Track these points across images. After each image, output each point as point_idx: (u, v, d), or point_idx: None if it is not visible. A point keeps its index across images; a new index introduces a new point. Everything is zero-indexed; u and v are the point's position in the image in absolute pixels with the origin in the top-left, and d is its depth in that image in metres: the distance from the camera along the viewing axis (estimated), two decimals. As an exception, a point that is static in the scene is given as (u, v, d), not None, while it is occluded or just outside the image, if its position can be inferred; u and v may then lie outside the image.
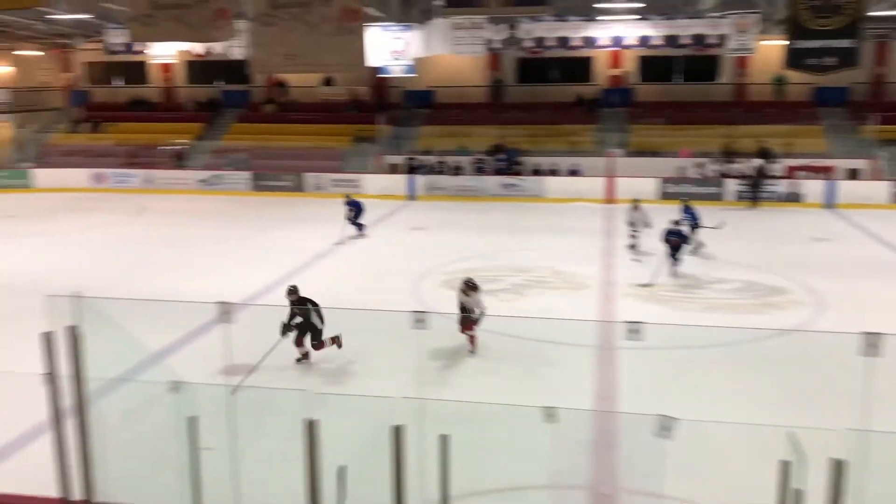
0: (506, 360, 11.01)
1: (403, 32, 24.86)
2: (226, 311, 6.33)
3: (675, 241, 15.25)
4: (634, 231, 17.49)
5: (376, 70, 26.59)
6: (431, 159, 28.12)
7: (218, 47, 27.10)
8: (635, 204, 17.72)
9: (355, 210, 19.97)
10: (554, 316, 12.06)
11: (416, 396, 6.75)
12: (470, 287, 11.03)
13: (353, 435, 7.07)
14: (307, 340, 10.56)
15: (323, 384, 10.03)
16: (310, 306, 10.50)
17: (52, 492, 6.23)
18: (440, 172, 27.56)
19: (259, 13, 7.98)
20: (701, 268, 16.09)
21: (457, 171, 27.61)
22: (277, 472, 7.47)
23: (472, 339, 11.06)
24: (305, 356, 10.68)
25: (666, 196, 24.60)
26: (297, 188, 27.56)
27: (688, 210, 17.33)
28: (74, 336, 5.52)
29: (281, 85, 32.39)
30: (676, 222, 15.84)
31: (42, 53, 33.65)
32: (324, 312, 10.44)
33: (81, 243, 19.59)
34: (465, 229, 21.19)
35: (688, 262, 15.76)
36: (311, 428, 5.12)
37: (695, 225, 17.04)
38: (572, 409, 6.40)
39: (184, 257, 17.89)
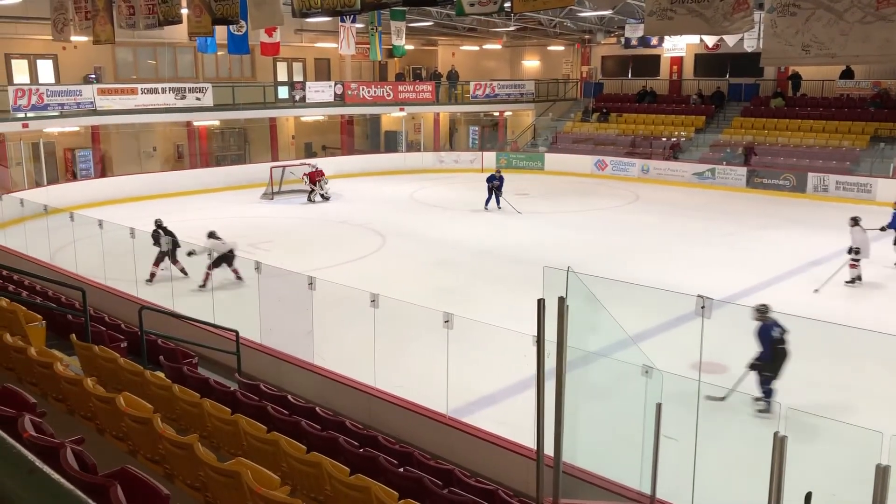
0: None
1: (953, 16, 21.17)
2: (705, 306, 6.27)
3: None
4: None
5: (911, 61, 23.21)
6: (971, 167, 23.64)
7: (729, 40, 26.53)
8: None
9: (498, 183, 22.57)
10: None
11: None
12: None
13: (825, 462, 6.46)
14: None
15: (795, 400, 9.33)
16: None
17: (528, 442, 6.98)
18: (981, 183, 23.02)
19: (780, 3, 7.57)
20: None
21: None
22: (736, 479, 7.22)
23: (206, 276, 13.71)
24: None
25: None
26: (797, 188, 25.71)
27: None
28: (563, 306, 6.04)
29: (793, 78, 30.43)
30: None
31: (563, 48, 37.12)
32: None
33: (578, 223, 21.28)
34: None
35: None
36: (780, 443, 4.82)
37: None
38: None
39: (669, 247, 18.19)
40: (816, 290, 14.10)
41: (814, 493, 4.93)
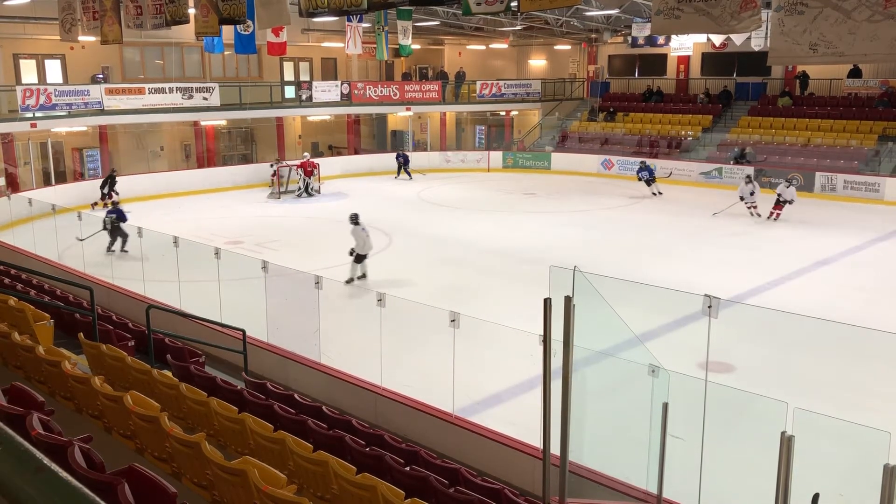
0: None
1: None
2: (712, 305, 6.26)
3: None
4: None
5: (920, 60, 23.10)
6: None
7: (736, 39, 26.45)
8: None
9: (403, 160, 29.28)
10: None
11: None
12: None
13: (833, 462, 6.44)
14: None
15: (803, 400, 9.29)
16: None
17: (534, 441, 6.97)
18: None
19: (788, 2, 7.55)
20: None
21: None
22: (743, 478, 7.20)
23: None
24: None
25: None
26: (804, 188, 25.55)
27: None
28: (569, 306, 6.03)
29: (801, 77, 30.32)
30: None
31: (570, 48, 37.06)
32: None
33: (585, 223, 21.25)
34: None
35: None
36: (786, 443, 4.81)
37: None
38: None
39: (675, 247, 18.15)
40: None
41: (821, 493, 4.92)
